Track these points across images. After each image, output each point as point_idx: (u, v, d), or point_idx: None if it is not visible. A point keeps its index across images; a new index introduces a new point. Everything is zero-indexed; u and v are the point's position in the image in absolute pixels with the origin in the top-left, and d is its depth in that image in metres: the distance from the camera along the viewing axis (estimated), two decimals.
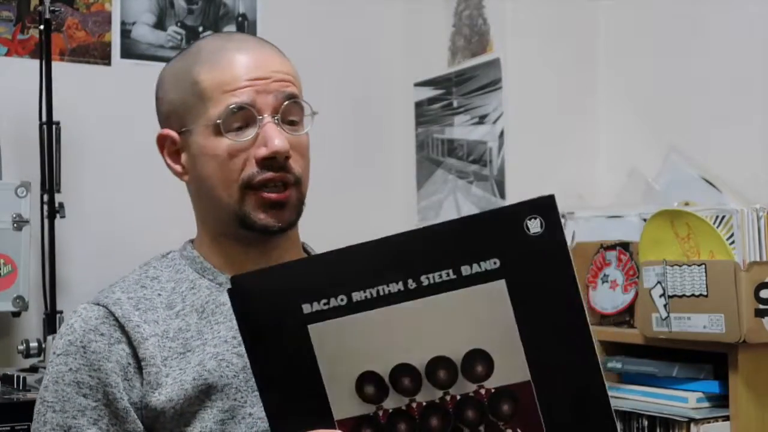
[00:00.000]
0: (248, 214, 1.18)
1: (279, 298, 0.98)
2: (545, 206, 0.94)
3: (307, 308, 0.97)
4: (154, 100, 1.28)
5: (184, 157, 1.23)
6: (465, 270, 0.95)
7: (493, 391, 0.95)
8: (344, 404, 0.97)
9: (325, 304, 0.97)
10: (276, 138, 1.17)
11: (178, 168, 1.24)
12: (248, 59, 1.19)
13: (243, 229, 1.20)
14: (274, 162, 1.17)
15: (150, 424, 1.15)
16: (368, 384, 0.97)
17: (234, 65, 1.19)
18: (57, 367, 1.16)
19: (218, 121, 1.17)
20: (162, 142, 1.25)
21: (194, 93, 1.19)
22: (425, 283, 0.96)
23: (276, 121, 1.18)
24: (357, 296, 0.97)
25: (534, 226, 0.94)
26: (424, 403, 0.96)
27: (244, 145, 1.17)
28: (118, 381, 1.14)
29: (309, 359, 0.97)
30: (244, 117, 1.17)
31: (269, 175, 1.17)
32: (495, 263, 0.95)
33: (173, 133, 1.23)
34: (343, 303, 0.97)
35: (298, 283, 0.98)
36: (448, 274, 0.95)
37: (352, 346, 0.97)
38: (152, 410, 1.14)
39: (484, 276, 0.95)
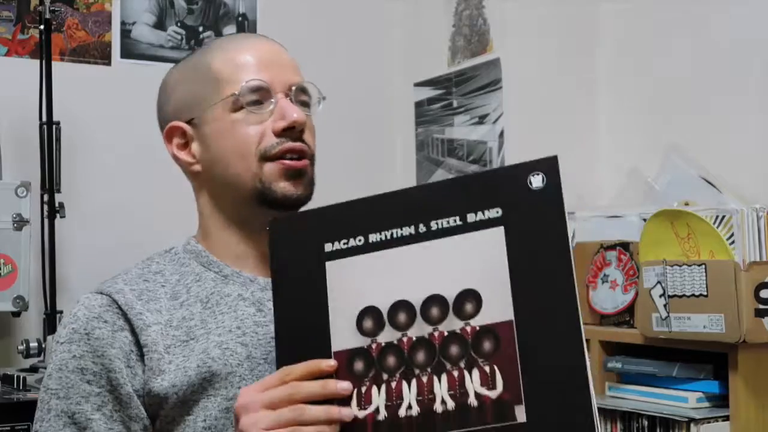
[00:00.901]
0: (268, 185, 1.19)
1: (306, 236, 1.10)
2: (548, 165, 1.03)
3: (328, 247, 1.08)
4: (156, 105, 1.29)
5: (194, 146, 1.24)
6: (470, 217, 1.04)
7: (477, 328, 1.02)
8: (343, 337, 1.06)
9: (344, 244, 1.08)
10: (293, 110, 1.20)
11: (188, 159, 1.25)
12: (260, 46, 1.25)
13: (260, 205, 1.20)
14: (292, 133, 1.20)
15: (153, 412, 1.15)
16: (368, 318, 1.06)
17: (247, 50, 1.24)
18: (61, 354, 1.17)
19: (235, 93, 1.20)
20: (170, 135, 1.26)
21: (207, 79, 1.22)
22: (434, 227, 1.06)
23: (290, 99, 1.22)
24: (373, 237, 1.07)
25: (536, 181, 1.03)
26: (414, 338, 1.04)
27: (262, 117, 1.20)
28: (122, 367, 1.15)
29: (321, 293, 1.07)
30: (259, 94, 1.21)
31: (288, 144, 1.20)
32: (497, 212, 1.04)
33: (183, 125, 1.24)
34: (360, 243, 1.07)
35: (324, 225, 1.09)
36: (455, 221, 1.05)
37: (361, 282, 1.07)
38: (155, 396, 1.14)
39: (486, 223, 1.04)
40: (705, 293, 1.78)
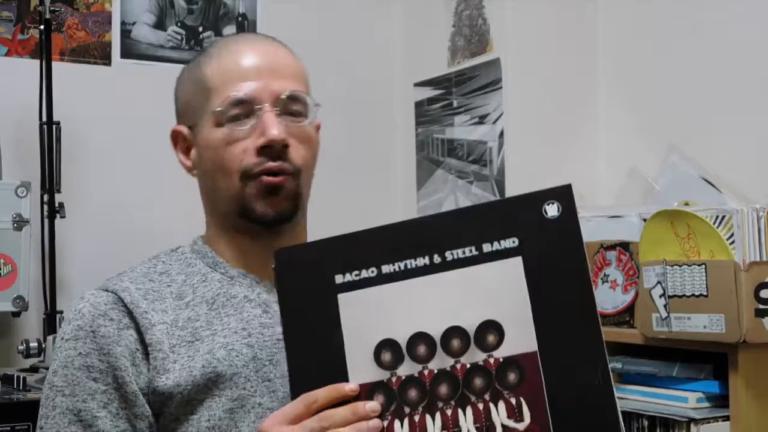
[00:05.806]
0: (249, 204, 1.19)
1: (315, 268, 1.06)
2: (563, 193, 1.03)
3: (339, 278, 1.05)
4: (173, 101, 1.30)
5: (193, 152, 1.25)
6: (486, 247, 1.03)
7: (501, 360, 1.01)
8: (361, 370, 1.03)
9: (356, 276, 1.05)
10: (273, 127, 1.17)
11: (188, 163, 1.26)
12: (253, 52, 1.22)
13: (243, 220, 1.21)
14: (272, 151, 1.18)
15: (158, 410, 1.15)
16: (386, 351, 1.03)
17: (238, 58, 1.21)
18: (66, 351, 1.16)
19: (218, 109, 1.19)
20: (175, 138, 1.27)
21: (202, 88, 1.21)
22: (449, 258, 1.04)
23: (276, 112, 1.19)
24: (386, 269, 1.04)
25: (551, 210, 1.03)
26: (436, 371, 1.02)
27: (241, 134, 1.19)
28: (128, 365, 1.15)
29: (335, 326, 1.04)
30: (243, 108, 1.19)
31: (267, 164, 1.18)
32: (514, 242, 1.03)
33: (185, 129, 1.25)
34: (373, 275, 1.05)
35: (333, 256, 1.06)
36: (470, 251, 1.03)
37: (376, 314, 1.04)
38: (159, 395, 1.14)
39: (503, 253, 1.03)
40: (705, 293, 1.78)
